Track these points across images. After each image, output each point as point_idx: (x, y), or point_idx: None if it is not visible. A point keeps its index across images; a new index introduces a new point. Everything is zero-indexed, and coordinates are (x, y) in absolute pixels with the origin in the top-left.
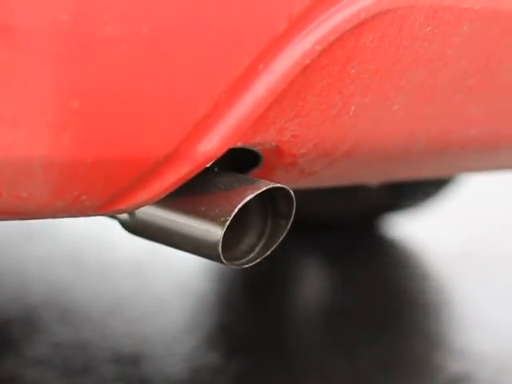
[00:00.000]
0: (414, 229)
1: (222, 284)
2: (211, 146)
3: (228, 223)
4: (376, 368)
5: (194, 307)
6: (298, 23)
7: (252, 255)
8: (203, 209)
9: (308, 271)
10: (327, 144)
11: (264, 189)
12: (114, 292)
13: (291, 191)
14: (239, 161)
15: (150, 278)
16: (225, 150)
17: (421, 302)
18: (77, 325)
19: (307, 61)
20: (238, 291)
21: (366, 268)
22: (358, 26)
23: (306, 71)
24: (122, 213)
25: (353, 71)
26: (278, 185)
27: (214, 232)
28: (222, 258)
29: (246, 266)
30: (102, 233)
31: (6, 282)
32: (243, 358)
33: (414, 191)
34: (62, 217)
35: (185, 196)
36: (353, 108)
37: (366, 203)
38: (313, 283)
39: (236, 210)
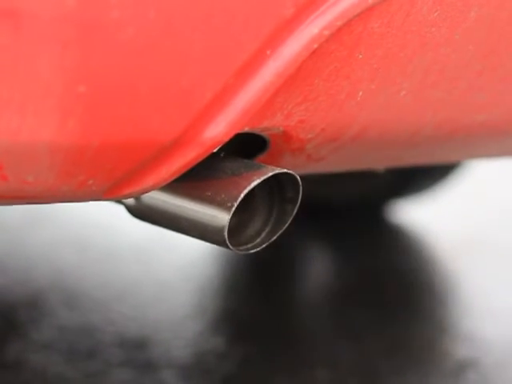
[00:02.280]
0: (420, 215)
1: (227, 269)
2: (218, 130)
3: (234, 208)
4: (382, 354)
5: (199, 292)
6: (306, 8)
7: (258, 240)
8: (209, 194)
9: (313, 257)
10: (334, 129)
11: (270, 174)
12: (119, 277)
13: (298, 176)
14: (246, 146)
15: (155, 263)
16: (232, 134)
17: (427, 288)
18: (82, 309)
19: (315, 46)
20: (243, 276)
21: (371, 254)
22: (366, 11)
23: (314, 56)
24: (129, 198)
25: (360, 56)
26: (285, 170)
27: (221, 217)
28: (228, 243)
29: (252, 251)
30: (107, 218)
31: (12, 266)
32: (248, 343)
33: (421, 177)
34: (69, 201)
35: (191, 181)
36: (360, 93)
37: (372, 189)
38: (318, 269)
39: (242, 196)
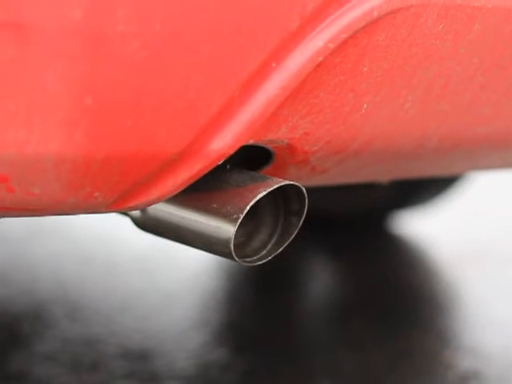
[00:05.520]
0: (422, 226)
1: (230, 281)
2: (224, 143)
3: (240, 220)
4: (385, 365)
5: (203, 304)
6: (311, 21)
7: (264, 252)
8: (215, 206)
9: (317, 269)
10: (339, 141)
11: (276, 186)
12: (123, 288)
13: (303, 188)
14: (251, 158)
15: (158, 274)
16: (237, 147)
17: (429, 300)
18: (86, 321)
19: (320, 58)
20: (247, 288)
21: (374, 266)
22: (371, 24)
23: (319, 69)
24: (134, 210)
25: (365, 69)
26: (290, 182)
27: (226, 229)
28: (233, 255)
29: (258, 263)
30: (110, 229)
31: (15, 278)
32: (251, 355)
33: (424, 189)
34: (75, 214)
35: (197, 193)
36: (365, 106)
37: (375, 201)
38: (321, 281)
39: (248, 208)
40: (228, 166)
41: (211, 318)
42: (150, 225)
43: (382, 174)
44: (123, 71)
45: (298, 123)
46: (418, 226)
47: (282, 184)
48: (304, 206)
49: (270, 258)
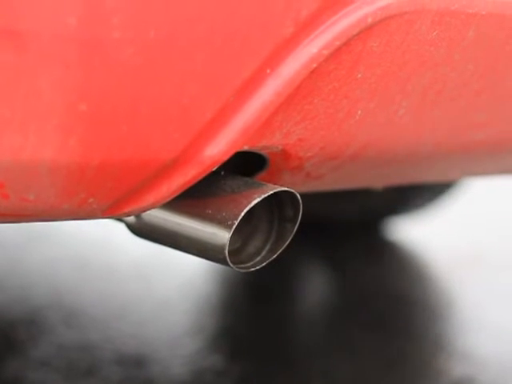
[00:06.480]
0: (417, 232)
1: (225, 287)
2: (218, 149)
3: (235, 227)
4: (380, 371)
5: (198, 310)
6: (305, 27)
7: (258, 258)
8: (210, 212)
9: (311, 274)
10: (333, 148)
11: (271, 192)
12: (118, 294)
13: (298, 195)
14: (245, 164)
15: (154, 280)
16: (232, 153)
17: (424, 305)
18: (81, 327)
19: (314, 65)
20: (242, 294)
21: (368, 271)
22: (365, 31)
23: (313, 75)
24: (129, 216)
25: (359, 75)
26: (285, 188)
27: (221, 235)
28: (228, 261)
29: (253, 269)
30: (106, 235)
31: (10, 284)
32: (246, 360)
33: (419, 194)
34: (69, 219)
35: (191, 199)
36: (359, 112)
37: (371, 206)
38: (316, 286)
39: (243, 214)
40: (222, 172)
41: (206, 324)
42: (144, 231)
43: (377, 179)
44: (118, 78)
45: (292, 129)
46: (413, 231)
47: (277, 190)
48: (298, 213)
49: (264, 264)
